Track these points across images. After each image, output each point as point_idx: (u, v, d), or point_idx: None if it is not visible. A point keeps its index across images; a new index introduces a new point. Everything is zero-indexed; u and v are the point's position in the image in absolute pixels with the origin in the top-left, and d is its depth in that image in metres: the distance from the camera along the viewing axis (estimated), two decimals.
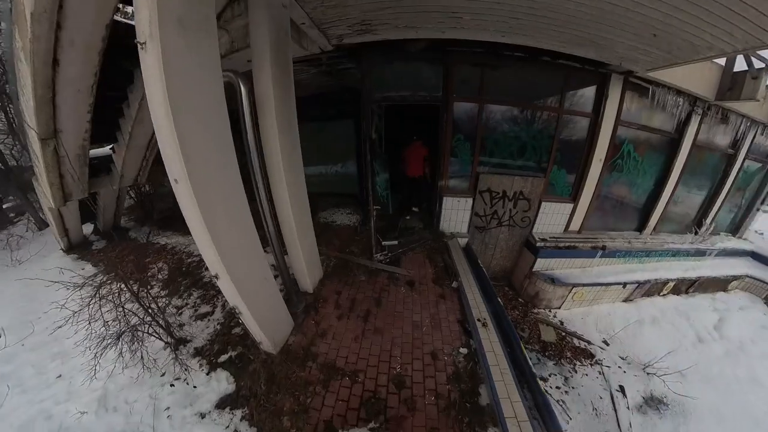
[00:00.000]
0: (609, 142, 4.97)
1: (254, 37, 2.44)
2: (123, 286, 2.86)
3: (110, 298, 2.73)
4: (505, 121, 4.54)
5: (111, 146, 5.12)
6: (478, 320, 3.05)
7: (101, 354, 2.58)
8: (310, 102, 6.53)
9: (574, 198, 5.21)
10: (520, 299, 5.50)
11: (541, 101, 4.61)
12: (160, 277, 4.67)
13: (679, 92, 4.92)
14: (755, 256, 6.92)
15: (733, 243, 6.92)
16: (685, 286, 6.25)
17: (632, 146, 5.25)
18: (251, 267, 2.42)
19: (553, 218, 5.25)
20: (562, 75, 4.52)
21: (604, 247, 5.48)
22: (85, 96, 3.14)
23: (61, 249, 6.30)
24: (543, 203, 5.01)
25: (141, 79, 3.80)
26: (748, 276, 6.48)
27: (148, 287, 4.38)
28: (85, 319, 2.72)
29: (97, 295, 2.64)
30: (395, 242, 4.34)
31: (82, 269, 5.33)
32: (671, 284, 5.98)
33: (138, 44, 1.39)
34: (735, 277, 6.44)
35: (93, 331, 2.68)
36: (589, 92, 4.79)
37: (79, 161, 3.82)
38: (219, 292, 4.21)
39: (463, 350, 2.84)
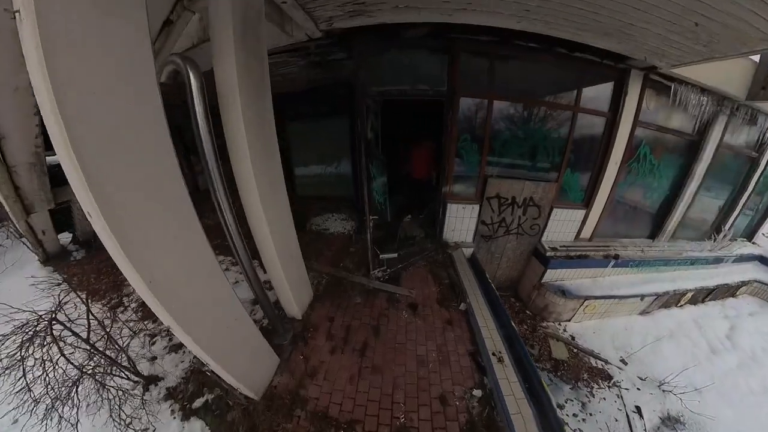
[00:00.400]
0: (626, 144, 4.53)
1: (213, 13, 1.86)
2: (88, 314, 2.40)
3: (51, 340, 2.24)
4: (516, 119, 4.07)
5: None
6: (493, 354, 2.63)
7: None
8: (300, 98, 6.04)
9: (587, 204, 4.78)
10: (527, 311, 5.10)
11: (555, 98, 4.14)
12: (136, 296, 4.21)
13: (703, 90, 4.47)
14: (763, 260, 6.57)
15: (749, 248, 6.54)
16: (702, 296, 5.89)
17: (649, 148, 4.82)
18: (215, 312, 1.93)
19: (563, 226, 4.83)
20: (578, 70, 4.05)
21: (616, 257, 5.07)
22: (24, 94, 2.64)
23: (38, 260, 5.82)
24: (554, 210, 4.58)
25: None
26: (756, 281, 6.17)
27: (120, 311, 3.93)
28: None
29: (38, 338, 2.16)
30: (394, 255, 3.89)
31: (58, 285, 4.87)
32: (689, 294, 5.61)
33: (14, 14, 0.91)
34: (744, 283, 6.11)
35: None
36: (606, 90, 4.34)
37: (34, 170, 3.33)
38: None
39: (477, 392, 2.42)
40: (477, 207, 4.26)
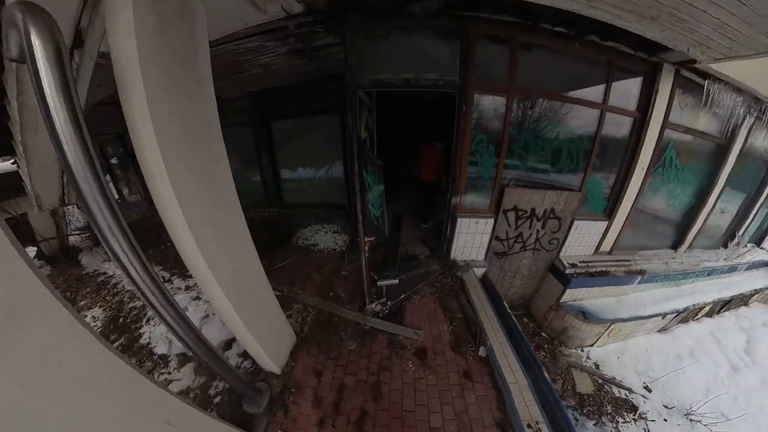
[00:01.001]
0: (654, 148, 3.94)
1: None
2: None
3: None
4: (538, 118, 3.40)
5: (12, 160, 3.73)
6: (529, 426, 1.96)
7: None
8: (287, 95, 5.23)
9: (610, 214, 4.18)
10: (543, 333, 4.49)
11: (582, 95, 3.49)
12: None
13: (739, 90, 3.92)
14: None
15: (760, 254, 6.13)
16: (718, 307, 5.44)
17: (675, 152, 4.25)
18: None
19: (583, 239, 4.22)
20: (608, 62, 3.41)
21: (642, 272, 4.50)
22: None
23: None
24: (575, 222, 3.96)
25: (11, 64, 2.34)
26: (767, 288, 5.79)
27: None
28: None
29: None
30: (395, 281, 3.19)
31: None
32: (707, 308, 5.15)
33: None
34: (757, 291, 5.72)
35: None
36: (633, 86, 3.73)
37: None
38: (157, 362, 3.00)
39: None
40: (491, 221, 3.58)
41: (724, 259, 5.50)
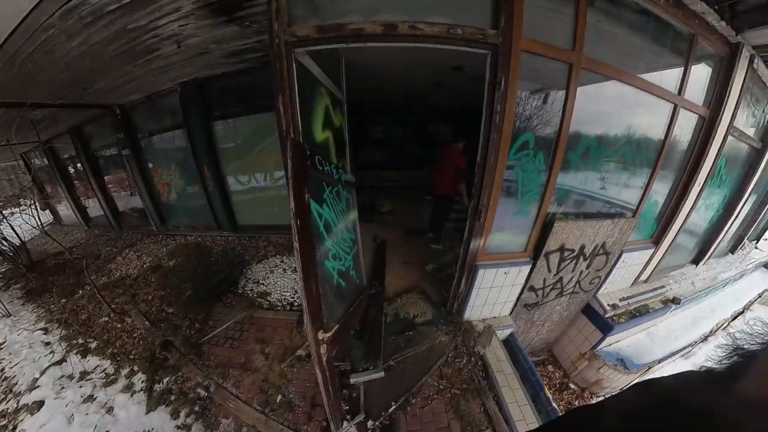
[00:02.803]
0: (716, 155, 2.90)
1: None
2: None
3: None
4: (602, 111, 2.14)
5: None
6: None
7: None
8: (223, 86, 3.59)
9: (658, 240, 3.13)
10: (572, 385, 3.45)
11: (654, 80, 2.27)
12: None
13: None
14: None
15: (759, 255, 5.59)
16: (731, 318, 4.79)
17: (725, 160, 3.26)
18: None
19: (626, 272, 3.14)
20: (690, 36, 2.24)
21: (676, 301, 3.58)
22: None
23: None
24: (623, 255, 2.86)
25: None
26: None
27: None
28: None
29: None
30: (379, 373, 1.89)
31: None
32: (726, 323, 4.44)
33: None
34: (760, 294, 5.18)
35: None
36: (703, 76, 2.61)
37: None
38: None
39: None
40: (527, 269, 2.32)
41: (736, 268, 4.82)
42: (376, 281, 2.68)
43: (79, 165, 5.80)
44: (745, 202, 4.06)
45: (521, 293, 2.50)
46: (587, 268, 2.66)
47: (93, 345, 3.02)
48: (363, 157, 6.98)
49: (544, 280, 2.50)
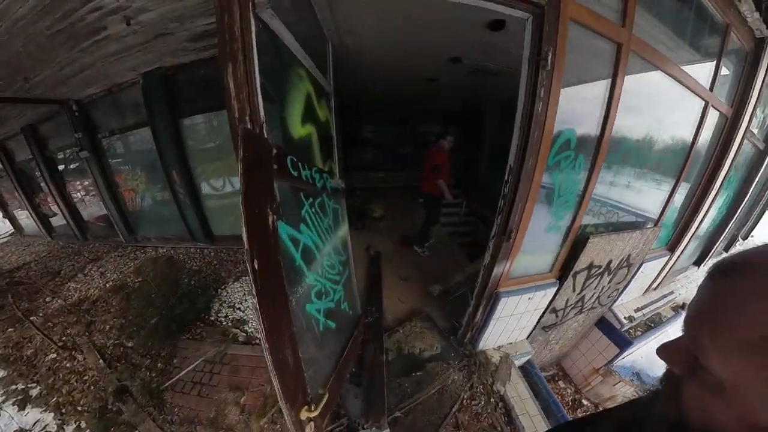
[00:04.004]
0: (734, 157, 2.60)
1: None
2: None
3: None
4: (647, 106, 1.72)
5: None
6: None
7: None
8: (190, 76, 3.00)
9: (674, 246, 2.81)
10: (584, 401, 3.12)
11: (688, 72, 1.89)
12: None
13: None
14: None
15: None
16: None
17: (737, 161, 2.97)
18: None
19: (641, 281, 2.82)
20: (725, 26, 1.87)
21: (685, 306, 3.30)
22: None
23: None
24: (643, 265, 2.51)
25: None
26: None
27: None
28: None
29: None
30: None
31: None
32: None
33: None
34: None
35: None
36: (729, 72, 2.27)
37: None
38: None
39: None
40: (553, 290, 1.90)
41: None
42: (372, 306, 2.21)
43: (36, 169, 5.00)
44: (746, 201, 3.85)
45: (542, 316, 2.09)
46: (609, 282, 2.28)
47: (35, 391, 2.40)
48: (353, 157, 6.48)
49: (567, 300, 2.10)
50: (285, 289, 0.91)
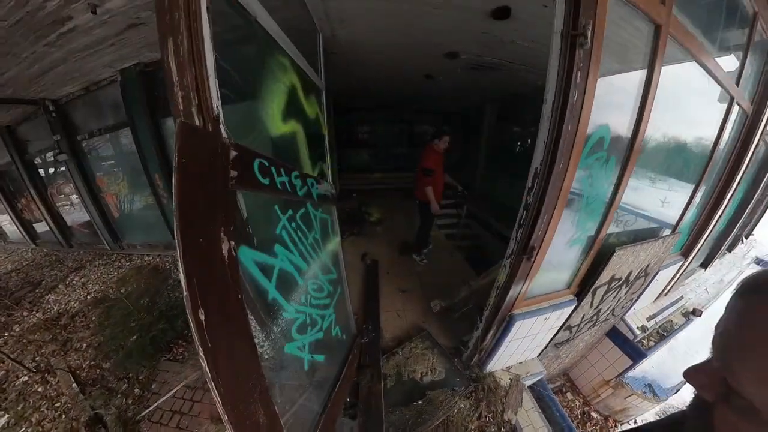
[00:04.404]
0: (751, 157, 2.40)
1: None
2: None
3: None
4: (678, 102, 1.48)
5: None
6: None
7: None
8: (158, 75, 2.75)
9: (687, 252, 2.62)
10: (594, 414, 2.93)
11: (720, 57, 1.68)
12: None
13: None
14: (758, 261, 5.48)
15: (754, 251, 5.34)
16: None
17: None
18: None
19: (651, 290, 2.62)
20: (753, 15, 1.66)
21: (697, 312, 3.13)
22: None
23: None
24: (659, 273, 2.31)
25: None
26: None
27: None
28: None
29: None
30: None
31: None
32: None
33: None
34: None
35: None
36: (747, 67, 2.06)
37: None
38: None
39: None
40: (570, 308, 1.68)
41: (738, 269, 4.50)
42: (368, 323, 1.98)
43: (16, 173, 4.69)
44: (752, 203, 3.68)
45: (556, 334, 1.88)
46: (626, 293, 2.08)
47: (2, 420, 2.16)
48: (349, 158, 6.23)
49: (583, 316, 1.89)
50: (252, 340, 0.69)
